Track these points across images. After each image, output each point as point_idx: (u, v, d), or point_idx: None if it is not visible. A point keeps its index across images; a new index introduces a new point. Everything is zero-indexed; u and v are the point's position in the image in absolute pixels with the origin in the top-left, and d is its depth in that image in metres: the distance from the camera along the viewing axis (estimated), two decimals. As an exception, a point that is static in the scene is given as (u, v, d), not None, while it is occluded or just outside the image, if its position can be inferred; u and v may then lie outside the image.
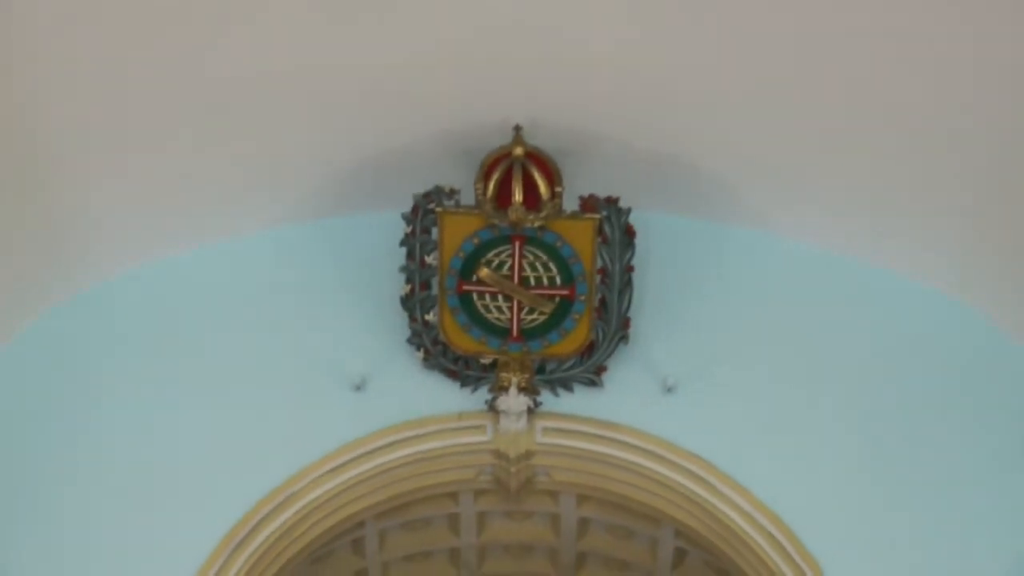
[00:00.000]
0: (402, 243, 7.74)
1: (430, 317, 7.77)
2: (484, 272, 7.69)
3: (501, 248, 7.67)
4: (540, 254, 7.68)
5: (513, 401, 7.75)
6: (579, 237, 7.62)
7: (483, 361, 7.83)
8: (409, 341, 7.82)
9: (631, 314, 7.81)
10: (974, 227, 7.76)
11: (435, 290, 7.76)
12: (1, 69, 6.84)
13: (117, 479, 7.64)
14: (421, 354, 7.83)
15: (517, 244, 7.64)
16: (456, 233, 7.63)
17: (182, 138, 7.52)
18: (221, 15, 6.91)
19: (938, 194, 7.70)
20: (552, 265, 7.69)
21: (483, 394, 7.83)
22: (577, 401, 7.86)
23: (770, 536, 7.66)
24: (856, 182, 7.77)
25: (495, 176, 7.51)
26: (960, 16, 6.77)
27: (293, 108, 7.45)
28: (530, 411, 7.79)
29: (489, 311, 7.77)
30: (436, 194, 7.66)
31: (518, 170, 7.47)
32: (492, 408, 7.79)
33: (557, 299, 7.75)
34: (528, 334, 7.77)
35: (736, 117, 7.52)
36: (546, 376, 7.87)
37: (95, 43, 6.94)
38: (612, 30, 7.05)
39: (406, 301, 7.80)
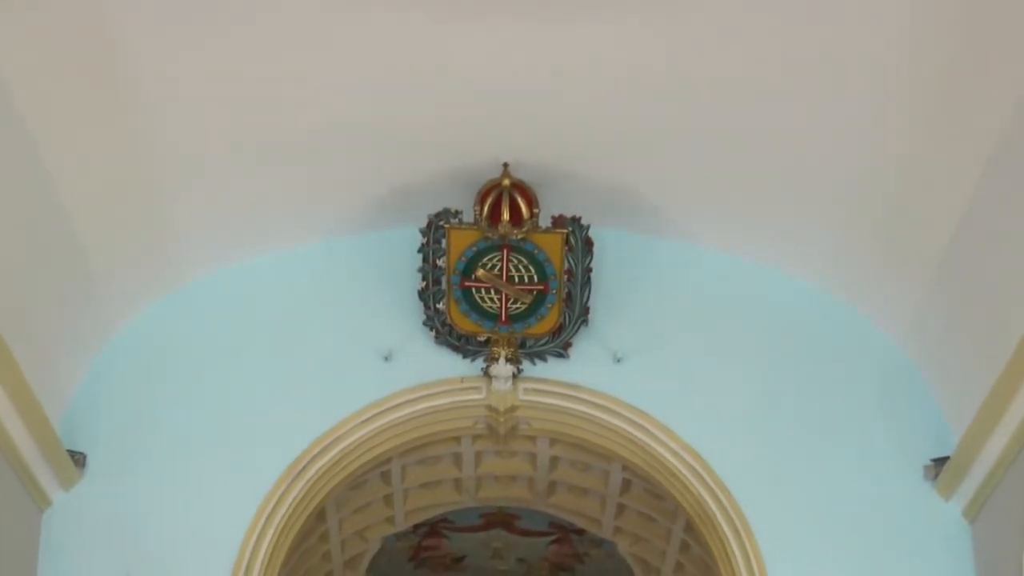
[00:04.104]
0: (419, 250, 8.38)
1: (440, 306, 8.44)
2: (481, 272, 8.35)
3: (493, 254, 8.35)
4: (522, 259, 8.37)
5: (502, 368, 8.44)
6: (551, 246, 8.32)
7: (479, 339, 8.48)
8: (424, 324, 8.52)
9: (590, 304, 8.51)
10: (848, 238, 8.34)
11: (444, 286, 8.38)
12: (124, 117, 7.40)
13: (209, 426, 8.42)
14: (433, 334, 8.52)
15: (505, 251, 8.33)
16: (459, 243, 8.29)
17: (256, 172, 8.09)
18: (294, 87, 7.50)
19: (814, 214, 8.26)
20: (531, 267, 8.39)
21: (479, 363, 8.53)
22: (550, 368, 8.57)
23: (692, 468, 8.43)
24: (754, 206, 8.40)
25: (488, 201, 8.20)
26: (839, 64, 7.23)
27: (340, 150, 8.04)
28: (514, 376, 8.50)
29: (484, 301, 8.43)
30: (444, 214, 8.28)
31: (506, 196, 8.17)
32: (486, 374, 8.48)
33: (535, 292, 8.41)
34: (513, 318, 8.44)
35: (669, 160, 8.17)
36: (526, 350, 8.53)
37: (197, 102, 7.49)
38: (577, 93, 7.65)
39: (422, 294, 8.45)
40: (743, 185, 8.28)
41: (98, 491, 8.29)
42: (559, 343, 8.60)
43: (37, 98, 6.94)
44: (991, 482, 7.99)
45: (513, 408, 8.62)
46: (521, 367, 8.56)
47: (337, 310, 8.66)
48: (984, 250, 7.63)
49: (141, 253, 8.33)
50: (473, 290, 8.43)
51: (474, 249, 8.37)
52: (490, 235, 8.30)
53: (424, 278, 8.47)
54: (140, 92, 7.29)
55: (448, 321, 8.52)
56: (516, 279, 8.40)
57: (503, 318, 8.46)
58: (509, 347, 8.47)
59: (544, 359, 8.64)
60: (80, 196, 7.61)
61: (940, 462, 8.33)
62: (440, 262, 8.39)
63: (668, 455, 8.50)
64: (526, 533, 10.96)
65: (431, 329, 8.57)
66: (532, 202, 8.24)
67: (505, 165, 8.21)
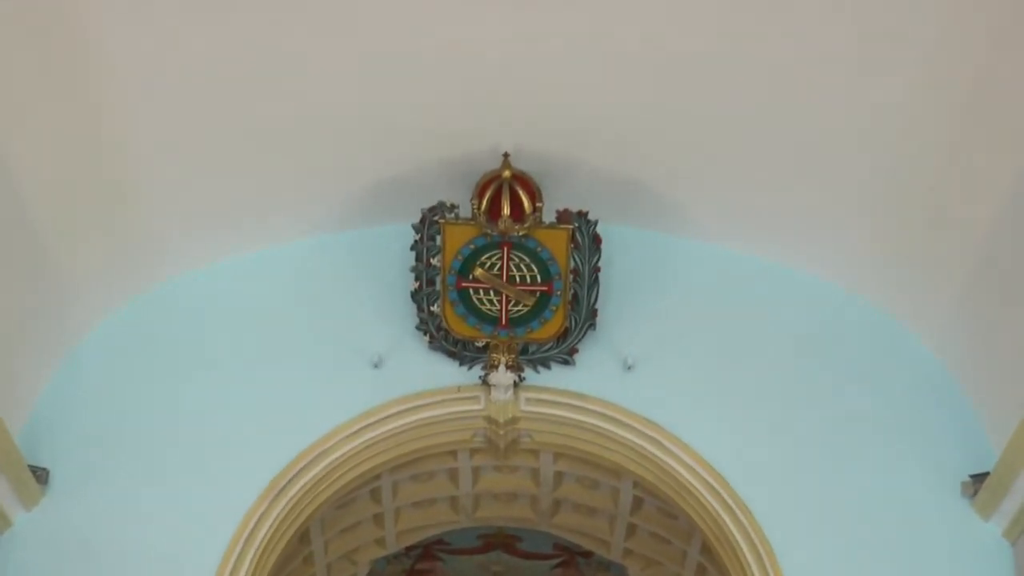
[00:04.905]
0: (412, 248, 8.28)
1: (435, 308, 8.32)
2: (479, 272, 8.23)
3: (492, 252, 8.22)
4: (524, 257, 8.22)
5: (502, 376, 8.32)
6: (556, 243, 8.18)
7: (477, 344, 8.38)
8: (417, 328, 8.41)
9: (598, 306, 8.38)
10: (878, 235, 8.23)
11: (439, 286, 8.27)
12: (90, 107, 7.32)
13: (186, 437, 8.19)
14: (427, 338, 8.41)
15: (505, 249, 8.20)
16: (456, 240, 8.18)
17: (235, 164, 7.99)
18: (276, 71, 7.42)
19: (841, 210, 8.16)
20: (534, 266, 8.24)
21: (477, 371, 8.41)
22: (554, 376, 8.45)
23: (708, 484, 8.25)
24: (776, 201, 8.26)
25: (487, 194, 8.07)
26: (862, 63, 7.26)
27: (326, 139, 7.95)
28: (515, 385, 8.38)
29: (483, 303, 8.30)
30: (440, 208, 8.17)
31: (506, 189, 8.03)
32: (485, 382, 8.37)
33: (538, 294, 8.27)
34: (514, 322, 8.32)
35: (683, 149, 8.05)
36: (528, 356, 8.43)
37: (169, 89, 7.40)
38: (582, 77, 7.56)
39: (415, 295, 8.36)
40: (763, 177, 8.18)
41: (62, 510, 8.12)
42: (564, 349, 8.47)
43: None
44: (1035, 500, 7.85)
45: (514, 420, 8.49)
46: (523, 375, 8.44)
47: (322, 313, 8.54)
48: (1026, 249, 7.53)
49: (109, 252, 8.23)
50: (471, 291, 8.30)
51: (472, 246, 8.24)
52: (489, 231, 8.17)
53: (417, 278, 8.37)
54: (111, 80, 7.24)
55: (443, 325, 8.39)
56: (517, 279, 8.28)
57: (503, 321, 8.34)
58: (510, 353, 8.36)
59: (548, 366, 8.52)
60: (42, 191, 7.50)
61: (979, 478, 8.12)
62: (435, 261, 8.29)
63: (683, 470, 8.37)
64: (528, 556, 11.00)
65: (425, 333, 8.47)
66: (535, 195, 8.11)
67: (505, 155, 8.08)
